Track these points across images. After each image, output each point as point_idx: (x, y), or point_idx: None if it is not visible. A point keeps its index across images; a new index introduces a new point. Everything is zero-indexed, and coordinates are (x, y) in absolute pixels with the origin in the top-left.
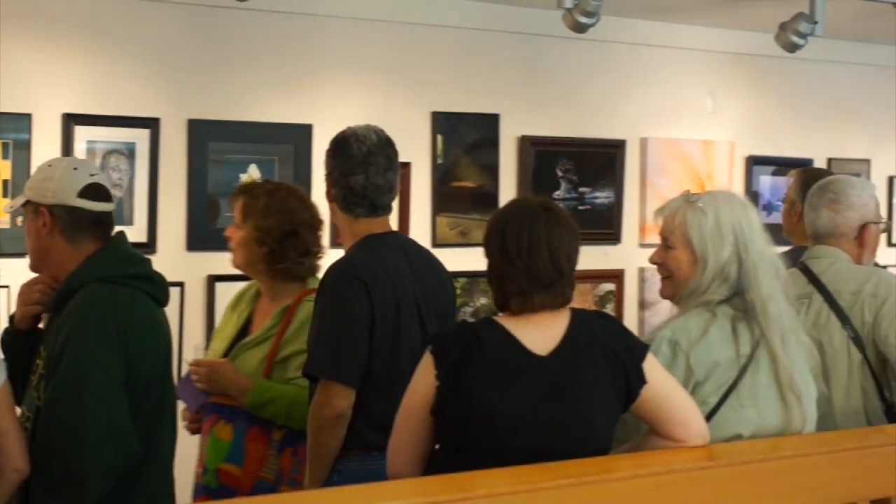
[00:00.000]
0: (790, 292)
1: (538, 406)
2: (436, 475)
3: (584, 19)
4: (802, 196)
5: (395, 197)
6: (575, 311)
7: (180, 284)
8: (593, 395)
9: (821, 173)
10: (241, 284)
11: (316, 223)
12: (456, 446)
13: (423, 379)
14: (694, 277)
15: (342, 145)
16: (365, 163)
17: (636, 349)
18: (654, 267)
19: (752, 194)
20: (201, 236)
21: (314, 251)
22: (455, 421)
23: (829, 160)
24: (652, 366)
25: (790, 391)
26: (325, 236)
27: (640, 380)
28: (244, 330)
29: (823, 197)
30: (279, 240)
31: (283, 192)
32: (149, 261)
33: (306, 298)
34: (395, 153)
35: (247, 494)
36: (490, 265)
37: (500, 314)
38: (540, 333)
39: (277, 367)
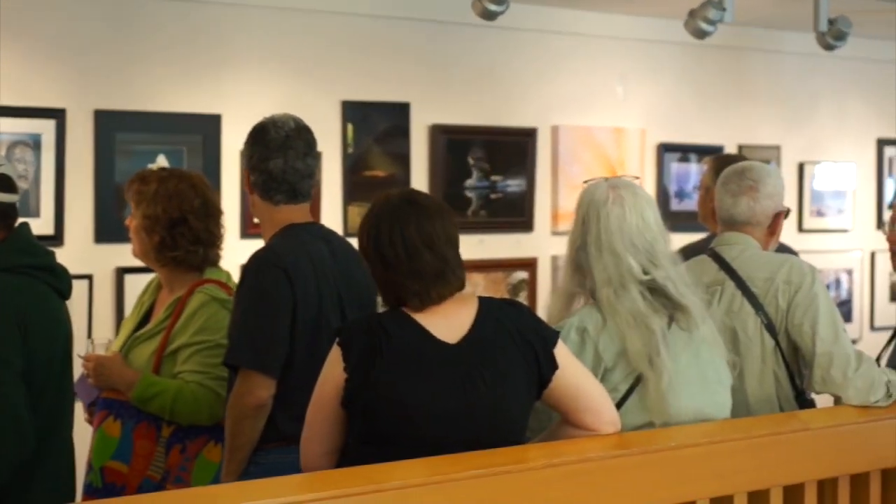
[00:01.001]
0: (703, 280)
1: (449, 395)
2: (347, 467)
3: (493, 7)
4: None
5: (314, 185)
6: (483, 299)
7: (89, 277)
8: (505, 381)
9: (735, 159)
10: (152, 276)
11: (211, 210)
12: (368, 438)
13: (332, 371)
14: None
15: (260, 132)
16: (284, 146)
17: (547, 335)
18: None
19: (661, 189)
20: (109, 228)
21: (208, 239)
22: (366, 413)
23: (740, 146)
24: (563, 352)
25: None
26: (234, 225)
27: (552, 366)
28: (144, 321)
29: (742, 184)
30: (168, 227)
31: (174, 179)
32: (52, 253)
33: (198, 290)
34: (313, 140)
35: (133, 493)
36: (373, 273)
37: (410, 304)
38: (448, 322)
39: (167, 360)
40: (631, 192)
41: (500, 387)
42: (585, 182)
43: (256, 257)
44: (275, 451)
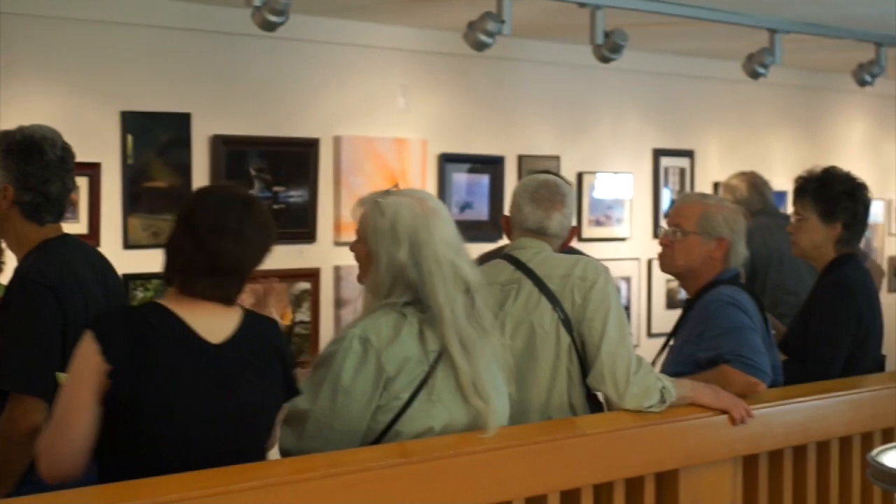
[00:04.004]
0: (499, 279)
1: (211, 395)
2: (102, 484)
3: (273, 17)
4: None
5: None
6: (247, 310)
7: None
8: (262, 385)
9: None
10: None
11: None
12: (128, 438)
13: (89, 364)
14: (371, 274)
15: (35, 150)
16: (62, 168)
17: (291, 359)
18: (350, 266)
19: (444, 199)
20: None
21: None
22: (131, 410)
23: (520, 157)
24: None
25: (475, 394)
26: None
27: (295, 390)
28: None
29: (554, 199)
30: None
31: None
32: None
33: None
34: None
35: None
36: (171, 234)
37: (168, 298)
38: (211, 320)
39: None
40: (435, 202)
41: (257, 389)
42: (377, 200)
43: (20, 277)
44: None
